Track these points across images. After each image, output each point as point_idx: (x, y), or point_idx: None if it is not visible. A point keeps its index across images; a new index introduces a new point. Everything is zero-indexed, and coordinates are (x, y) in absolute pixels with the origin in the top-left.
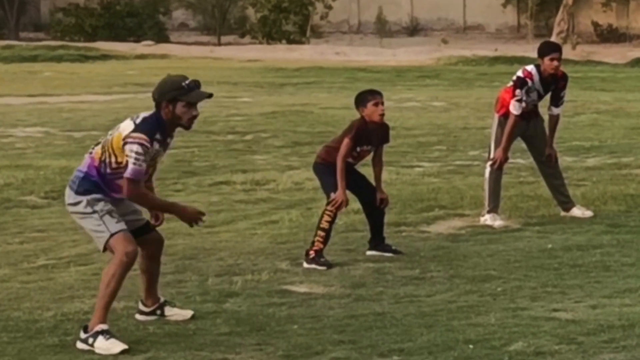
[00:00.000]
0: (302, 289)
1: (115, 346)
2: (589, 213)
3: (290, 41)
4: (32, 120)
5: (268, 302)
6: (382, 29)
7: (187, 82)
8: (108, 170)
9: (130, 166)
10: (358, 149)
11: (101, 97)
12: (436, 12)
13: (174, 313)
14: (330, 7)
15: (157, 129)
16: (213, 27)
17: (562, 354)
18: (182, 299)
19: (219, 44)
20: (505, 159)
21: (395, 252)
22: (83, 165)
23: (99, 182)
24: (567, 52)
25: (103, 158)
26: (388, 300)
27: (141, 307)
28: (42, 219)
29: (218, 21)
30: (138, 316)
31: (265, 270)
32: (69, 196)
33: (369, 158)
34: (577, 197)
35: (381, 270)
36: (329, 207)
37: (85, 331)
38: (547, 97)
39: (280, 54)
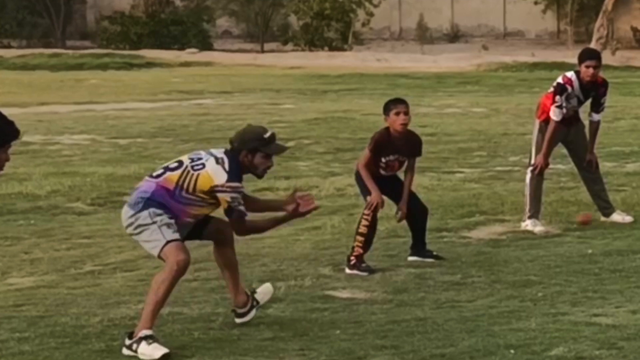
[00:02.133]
0: (344, 294)
1: (157, 351)
2: (629, 218)
3: (332, 48)
4: (78, 128)
5: (311, 307)
6: (423, 36)
7: (267, 134)
8: (183, 194)
9: (235, 212)
10: (384, 159)
11: (146, 104)
12: (477, 18)
13: (261, 297)
14: (371, 14)
15: (241, 172)
16: (256, 34)
17: (602, 359)
18: (226, 305)
19: (262, 51)
20: (545, 164)
21: (436, 257)
22: (145, 189)
23: (166, 203)
24: (607, 57)
25: (180, 183)
26: (430, 305)
27: (238, 310)
28: (89, 226)
29: (261, 29)
30: (238, 320)
31: (308, 276)
32: (127, 213)
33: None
34: (617, 202)
35: (423, 276)
36: (365, 211)
37: (130, 337)
38: (588, 103)
39: (323, 60)
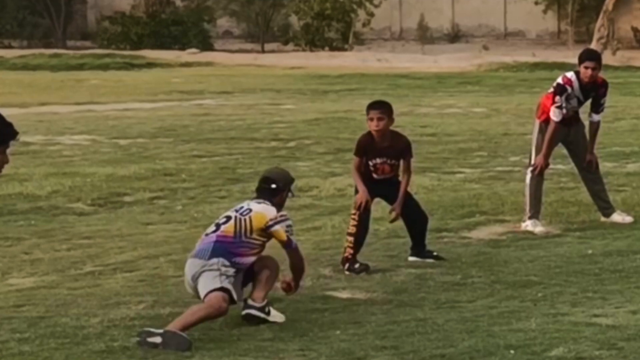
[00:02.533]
0: (344, 294)
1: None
2: (629, 219)
3: (332, 48)
4: (79, 128)
5: (311, 308)
6: (424, 36)
7: (292, 174)
8: (244, 238)
9: (292, 238)
10: (371, 162)
11: (147, 104)
12: (477, 18)
13: (272, 315)
14: (372, 14)
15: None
16: (257, 34)
17: (602, 359)
18: None
19: (263, 52)
20: (546, 165)
21: (437, 257)
22: (207, 242)
23: (231, 249)
24: (607, 57)
25: (238, 231)
26: (429, 306)
27: (251, 302)
28: (89, 226)
29: (262, 29)
30: (245, 311)
31: (308, 277)
32: (194, 263)
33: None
34: (618, 202)
35: (423, 276)
36: (352, 211)
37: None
38: (588, 103)
39: (323, 61)
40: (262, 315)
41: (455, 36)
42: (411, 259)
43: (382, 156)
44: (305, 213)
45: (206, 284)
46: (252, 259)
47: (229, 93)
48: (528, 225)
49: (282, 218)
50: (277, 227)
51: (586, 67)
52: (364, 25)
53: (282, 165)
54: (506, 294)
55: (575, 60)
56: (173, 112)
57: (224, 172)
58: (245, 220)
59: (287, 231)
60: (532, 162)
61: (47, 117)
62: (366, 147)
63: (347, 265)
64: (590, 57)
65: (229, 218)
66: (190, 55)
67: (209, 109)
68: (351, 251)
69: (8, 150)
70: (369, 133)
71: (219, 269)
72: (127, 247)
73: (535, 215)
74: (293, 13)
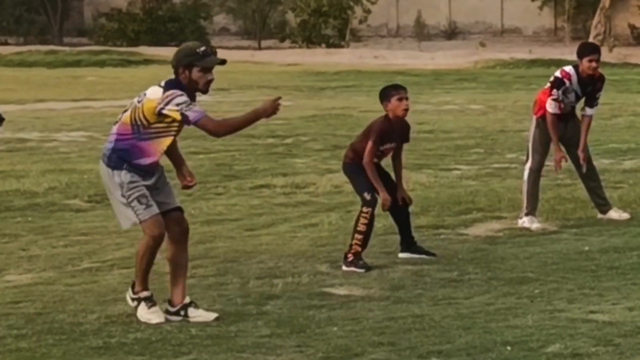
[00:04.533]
0: (341, 291)
1: (154, 317)
2: (625, 215)
3: (329, 45)
4: (75, 125)
5: (308, 304)
6: (421, 33)
7: (201, 48)
8: (142, 130)
9: (189, 114)
10: (381, 148)
11: None
12: (474, 15)
13: (197, 314)
14: (369, 11)
15: (183, 89)
16: (253, 31)
17: (599, 355)
18: (223, 301)
19: (259, 48)
20: (562, 155)
21: (427, 253)
22: (111, 137)
23: (131, 148)
24: (604, 54)
25: (134, 122)
26: (426, 302)
27: (167, 307)
28: (86, 223)
29: (258, 26)
30: (157, 316)
31: (306, 273)
32: (105, 173)
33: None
34: (614, 199)
35: (419, 273)
36: (364, 209)
37: (133, 287)
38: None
39: (320, 57)
40: (177, 319)
41: (452, 33)
42: (402, 255)
43: (392, 141)
44: (302, 210)
45: (122, 219)
46: (157, 155)
47: (226, 90)
48: (525, 222)
49: (170, 97)
50: (167, 109)
51: (590, 60)
52: (360, 22)
53: (279, 162)
54: (503, 290)
55: (572, 57)
56: None
57: (220, 169)
58: (139, 109)
59: (179, 109)
60: (530, 158)
61: (44, 113)
62: (386, 133)
63: (351, 260)
64: (594, 50)
65: (129, 106)
66: None
67: (205, 105)
68: (359, 248)
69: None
70: (386, 118)
71: (124, 196)
72: (124, 243)
73: (532, 212)
74: (290, 10)
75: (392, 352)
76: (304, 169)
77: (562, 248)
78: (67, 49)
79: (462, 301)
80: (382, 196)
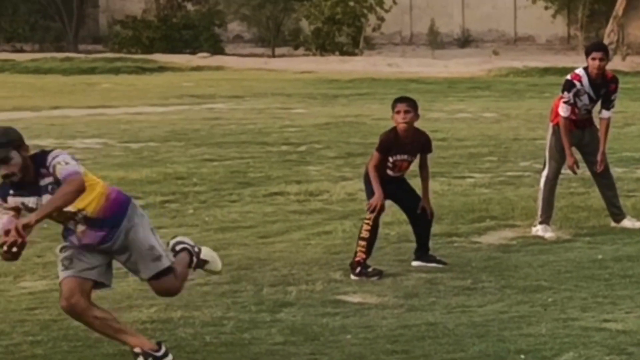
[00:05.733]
0: (355, 299)
1: None
2: (639, 224)
3: (343, 53)
4: (90, 132)
5: (322, 312)
6: (434, 41)
7: None
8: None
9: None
10: (391, 159)
11: (158, 108)
12: (487, 23)
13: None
14: (382, 19)
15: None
16: (267, 39)
17: None
18: (237, 309)
19: (273, 56)
20: (574, 162)
21: (439, 262)
22: None
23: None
24: (617, 63)
25: None
26: (440, 310)
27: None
28: None
29: (272, 33)
30: None
31: (319, 281)
32: None
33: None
34: (628, 208)
35: (433, 281)
36: (367, 215)
37: None
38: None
39: (334, 65)
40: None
41: (465, 41)
42: (415, 263)
43: (404, 153)
44: (316, 217)
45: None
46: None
47: (240, 97)
48: (539, 230)
49: None
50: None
51: (593, 58)
52: (374, 30)
53: (293, 169)
54: (516, 298)
55: (584, 65)
56: (184, 116)
57: (235, 176)
58: None
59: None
60: (546, 165)
61: (59, 120)
62: (389, 144)
63: (358, 270)
64: (597, 48)
65: None
66: (201, 59)
67: (220, 113)
68: (363, 255)
69: None
70: (393, 129)
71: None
72: None
73: (546, 220)
74: (304, 17)
75: None
76: (318, 177)
77: (575, 256)
78: (82, 56)
79: (475, 309)
80: (374, 197)
